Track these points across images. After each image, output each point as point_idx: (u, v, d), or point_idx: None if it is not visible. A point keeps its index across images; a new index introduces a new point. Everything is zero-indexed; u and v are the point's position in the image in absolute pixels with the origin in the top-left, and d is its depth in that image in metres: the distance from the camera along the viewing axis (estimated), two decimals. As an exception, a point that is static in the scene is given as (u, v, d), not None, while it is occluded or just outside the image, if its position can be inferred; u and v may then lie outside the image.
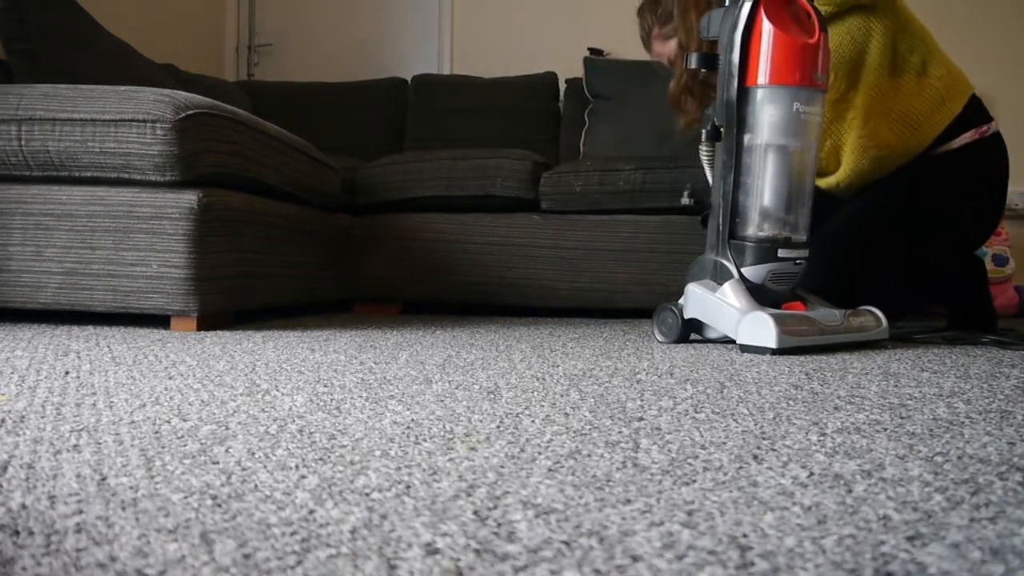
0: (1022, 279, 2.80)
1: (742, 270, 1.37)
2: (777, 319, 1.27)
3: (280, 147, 1.89)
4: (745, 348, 1.31)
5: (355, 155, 2.74)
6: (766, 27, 1.33)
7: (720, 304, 1.36)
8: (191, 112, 1.55)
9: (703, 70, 1.51)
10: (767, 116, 1.35)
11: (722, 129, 1.39)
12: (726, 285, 1.37)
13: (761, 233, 1.38)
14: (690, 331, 1.46)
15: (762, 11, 1.33)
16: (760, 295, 1.36)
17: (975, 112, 1.59)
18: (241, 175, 1.71)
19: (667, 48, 1.73)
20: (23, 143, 1.56)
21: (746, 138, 1.37)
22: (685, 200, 1.49)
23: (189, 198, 1.57)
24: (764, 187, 1.37)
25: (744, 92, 1.36)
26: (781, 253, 1.36)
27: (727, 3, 1.39)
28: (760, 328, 1.28)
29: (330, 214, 2.28)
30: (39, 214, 1.59)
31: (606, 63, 3.08)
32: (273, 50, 3.74)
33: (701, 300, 1.40)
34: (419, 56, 3.59)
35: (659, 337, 1.49)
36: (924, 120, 1.54)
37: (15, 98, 1.57)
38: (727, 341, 1.41)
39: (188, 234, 1.56)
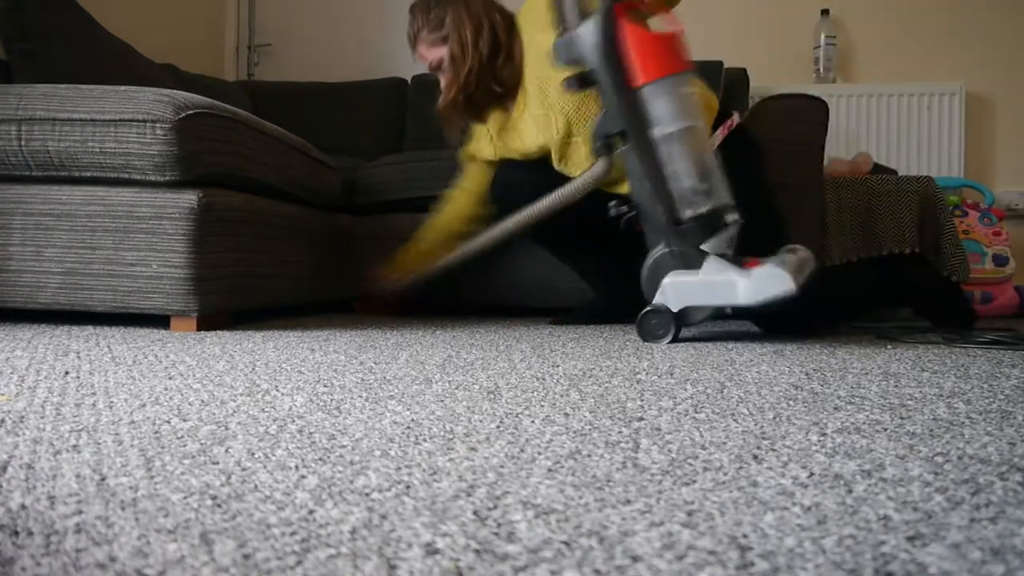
0: (1022, 279, 2.80)
1: (702, 248, 1.42)
2: (779, 266, 1.32)
3: (280, 147, 1.89)
4: (759, 305, 1.35)
5: (355, 155, 2.74)
6: (633, 32, 1.41)
7: (711, 281, 1.40)
8: (191, 112, 1.55)
9: (482, 82, 1.71)
10: (662, 106, 1.41)
11: (616, 138, 1.46)
12: (706, 263, 1.41)
13: (702, 210, 1.42)
14: (681, 324, 1.48)
15: (624, 20, 1.41)
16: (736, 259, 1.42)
17: (722, 108, 1.70)
18: (241, 175, 1.71)
19: (433, 54, 1.82)
20: (23, 143, 1.56)
21: (655, 132, 1.42)
22: (612, 212, 1.54)
23: (189, 198, 1.57)
24: (686, 169, 1.42)
25: (632, 94, 1.42)
26: (729, 218, 1.42)
27: (569, 28, 1.47)
28: (771, 280, 1.32)
29: (330, 214, 2.28)
30: (39, 214, 1.59)
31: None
32: (273, 50, 3.74)
33: (687, 287, 1.44)
34: (419, 56, 3.58)
35: (653, 341, 1.49)
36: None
37: (15, 98, 1.57)
38: (717, 317, 1.47)
39: (188, 234, 1.56)
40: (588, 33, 1.43)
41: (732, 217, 1.43)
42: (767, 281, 1.33)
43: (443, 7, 1.78)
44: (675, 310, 1.45)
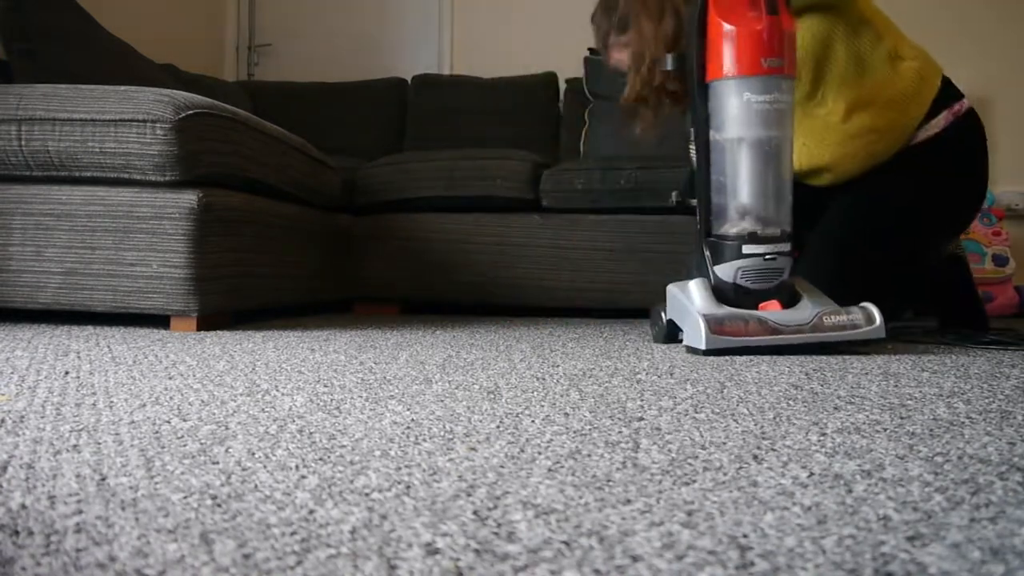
0: (1022, 279, 2.80)
1: (715, 268, 1.35)
2: (712, 320, 1.26)
3: (280, 147, 1.89)
4: (688, 348, 1.32)
5: (355, 155, 2.74)
6: (712, 20, 1.31)
7: (683, 304, 1.35)
8: (191, 112, 1.55)
9: (660, 76, 1.51)
10: (721, 110, 1.32)
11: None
12: (690, 284, 1.35)
13: (731, 230, 1.35)
14: (676, 331, 1.44)
15: (711, 4, 1.32)
16: (738, 294, 1.33)
17: (949, 90, 1.59)
18: (241, 175, 1.71)
19: (624, 55, 1.69)
20: (23, 143, 1.56)
21: (710, 134, 1.35)
22: (673, 200, 1.49)
23: (189, 198, 1.57)
24: (727, 183, 1.34)
25: (704, 88, 1.34)
26: (746, 249, 1.32)
27: (690, 5, 1.38)
28: (694, 328, 1.27)
29: (330, 214, 2.28)
30: (39, 214, 1.59)
31: (606, 63, 3.08)
32: (273, 50, 3.74)
33: (673, 300, 1.40)
34: (419, 56, 3.59)
35: (652, 337, 1.49)
36: (911, 100, 1.53)
37: (15, 98, 1.57)
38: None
39: (188, 234, 1.56)
40: (694, 15, 1.35)
41: (771, 250, 1.32)
42: (692, 330, 1.29)
43: (626, 4, 1.65)
44: (666, 317, 1.44)
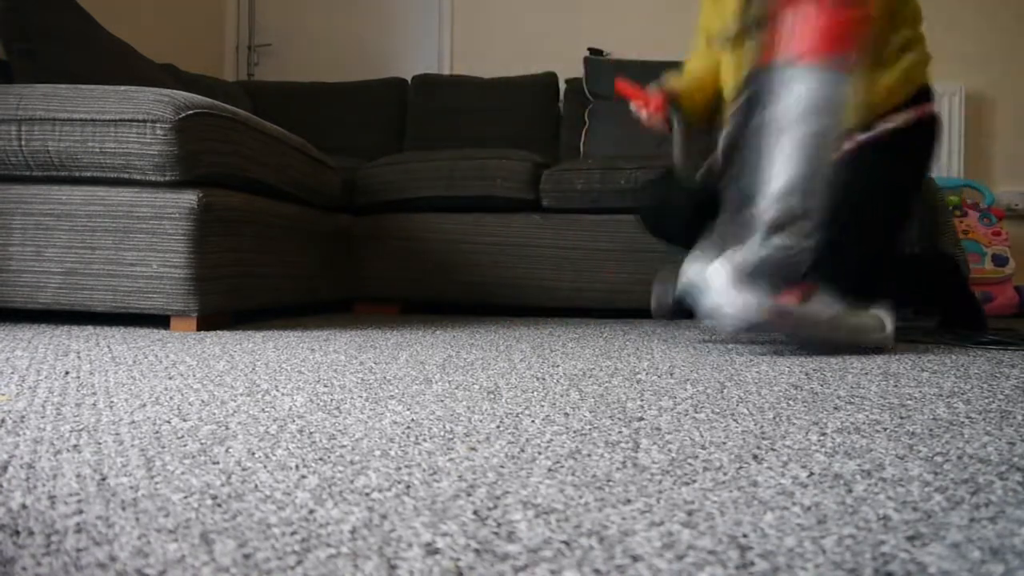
0: (1022, 279, 2.81)
1: (739, 250, 1.33)
2: (736, 291, 1.26)
3: (280, 147, 1.89)
4: (704, 316, 1.31)
5: (355, 155, 2.74)
6: (794, 2, 1.30)
7: (703, 275, 1.34)
8: (191, 112, 1.55)
9: None
10: (784, 92, 1.31)
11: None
12: (717, 260, 1.33)
13: (763, 214, 1.32)
14: (681, 306, 1.42)
15: None
16: (757, 279, 1.33)
17: (924, 93, 1.60)
18: (241, 175, 1.71)
19: None
20: (23, 143, 1.56)
21: (763, 115, 1.34)
22: (700, 174, 1.48)
23: (189, 198, 1.57)
24: (770, 166, 1.32)
25: (767, 69, 1.33)
26: (774, 236, 1.31)
27: None
28: (718, 296, 1.26)
29: (330, 214, 2.28)
30: (39, 214, 1.59)
31: (606, 63, 3.08)
32: (273, 50, 3.75)
33: (691, 270, 1.40)
34: (419, 56, 3.59)
35: (652, 304, 1.48)
36: (887, 97, 1.54)
37: (15, 98, 1.57)
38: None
39: (188, 234, 1.56)
40: None
41: (790, 242, 1.31)
42: (709, 303, 1.27)
43: None
44: (675, 289, 1.43)
